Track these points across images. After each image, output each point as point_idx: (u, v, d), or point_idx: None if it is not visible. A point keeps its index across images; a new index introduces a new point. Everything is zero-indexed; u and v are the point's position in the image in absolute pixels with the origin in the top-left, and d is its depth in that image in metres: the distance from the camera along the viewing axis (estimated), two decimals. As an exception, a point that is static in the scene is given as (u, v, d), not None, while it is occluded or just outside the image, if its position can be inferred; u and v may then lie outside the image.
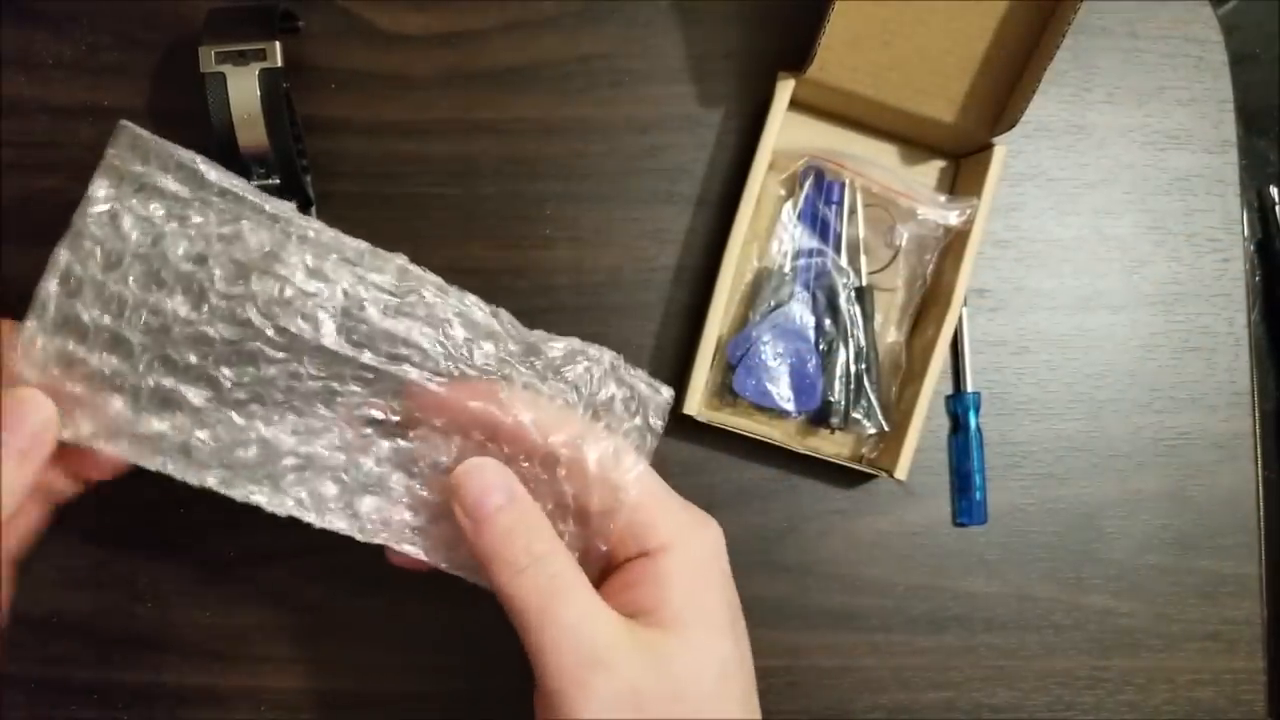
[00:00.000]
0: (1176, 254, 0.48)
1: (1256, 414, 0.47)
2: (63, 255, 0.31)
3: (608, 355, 0.34)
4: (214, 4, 0.41)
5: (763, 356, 0.43)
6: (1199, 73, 0.48)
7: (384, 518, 0.32)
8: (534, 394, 0.33)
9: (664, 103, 0.46)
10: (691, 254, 0.46)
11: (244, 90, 0.39)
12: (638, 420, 0.34)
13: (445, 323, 0.32)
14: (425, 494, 0.33)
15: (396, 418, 0.32)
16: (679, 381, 0.45)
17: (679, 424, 0.44)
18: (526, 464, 0.32)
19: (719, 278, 0.43)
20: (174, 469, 0.31)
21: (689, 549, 0.32)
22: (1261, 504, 0.47)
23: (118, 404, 0.31)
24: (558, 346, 0.33)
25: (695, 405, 0.42)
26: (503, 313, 0.33)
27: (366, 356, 0.31)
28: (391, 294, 0.32)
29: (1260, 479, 0.47)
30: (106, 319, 0.31)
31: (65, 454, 0.32)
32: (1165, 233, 0.48)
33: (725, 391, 0.44)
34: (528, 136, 0.45)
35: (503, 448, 0.32)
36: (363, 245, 0.32)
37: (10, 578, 0.35)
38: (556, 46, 0.46)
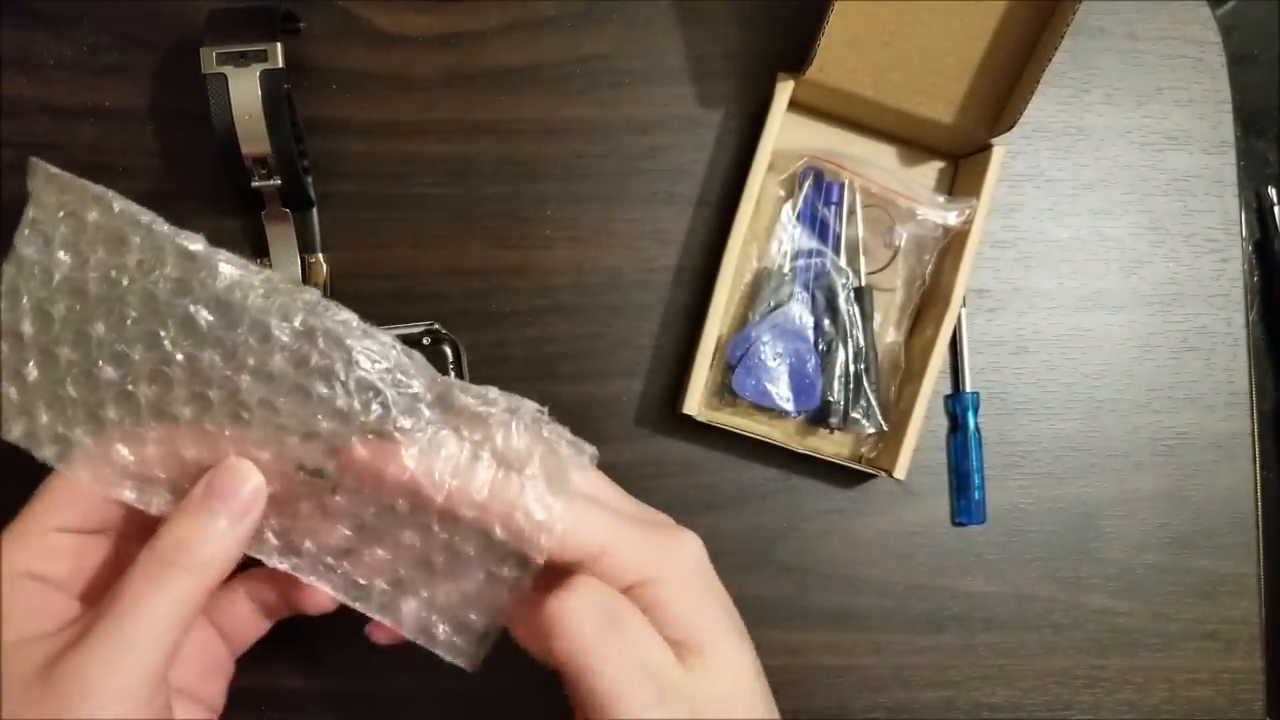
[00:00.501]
0: (1175, 254, 0.48)
1: (1254, 414, 0.47)
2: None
3: (529, 407, 0.31)
4: (215, 4, 0.41)
5: (762, 356, 0.43)
6: (1197, 73, 0.48)
7: (318, 562, 0.32)
8: (439, 452, 0.30)
9: (664, 103, 0.46)
10: (691, 254, 0.46)
11: (245, 91, 0.39)
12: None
13: (353, 365, 0.29)
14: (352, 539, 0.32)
15: (322, 467, 0.31)
16: (679, 381, 0.45)
17: (679, 424, 0.44)
18: (440, 525, 0.31)
19: (719, 278, 0.43)
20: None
21: (671, 572, 0.31)
22: (1260, 504, 0.47)
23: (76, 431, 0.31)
24: (471, 398, 0.30)
25: (695, 405, 0.43)
26: (416, 355, 0.31)
27: (279, 402, 0.30)
28: (297, 335, 0.30)
29: (1258, 479, 0.47)
30: (41, 335, 0.31)
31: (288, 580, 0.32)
32: (1164, 233, 0.48)
33: (725, 391, 0.44)
34: (528, 137, 0.45)
35: (423, 511, 0.31)
36: (274, 277, 0.30)
37: (228, 673, 0.35)
38: (557, 47, 0.46)
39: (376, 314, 0.44)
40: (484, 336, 0.45)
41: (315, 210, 0.45)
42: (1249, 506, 0.47)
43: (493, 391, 0.31)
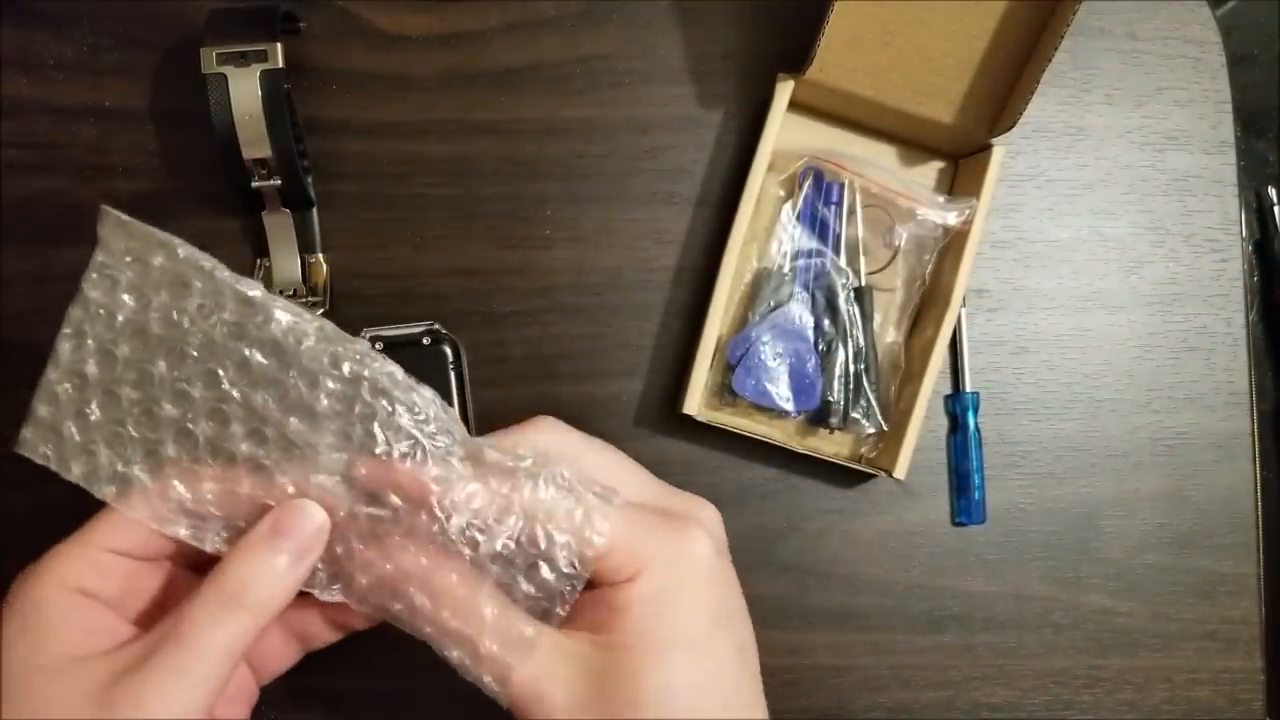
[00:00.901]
0: (1175, 254, 0.48)
1: (1254, 414, 0.47)
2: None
3: (558, 466, 0.32)
4: (215, 5, 0.41)
5: (762, 356, 0.43)
6: (1197, 74, 0.48)
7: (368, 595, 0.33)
8: (470, 504, 0.31)
9: (664, 103, 0.46)
10: (691, 254, 0.46)
11: (245, 91, 0.39)
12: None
13: (395, 415, 0.31)
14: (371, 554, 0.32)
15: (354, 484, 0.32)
16: (679, 381, 0.45)
17: (679, 424, 0.44)
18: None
19: (719, 278, 0.43)
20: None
21: (667, 568, 0.31)
22: (1259, 503, 0.47)
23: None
24: (501, 454, 0.32)
25: (695, 405, 0.43)
26: (453, 412, 0.32)
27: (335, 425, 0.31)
28: (345, 382, 0.31)
29: (1258, 479, 0.47)
30: (105, 374, 0.32)
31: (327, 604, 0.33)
32: (1163, 233, 0.48)
33: (725, 391, 0.44)
34: (528, 137, 0.46)
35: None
36: (327, 326, 0.31)
37: (252, 701, 0.36)
38: (557, 47, 0.46)
39: (377, 314, 0.44)
40: (484, 336, 0.45)
41: (315, 210, 0.45)
42: (1249, 506, 0.47)
43: (523, 449, 0.32)
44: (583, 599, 0.31)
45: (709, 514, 0.34)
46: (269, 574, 0.30)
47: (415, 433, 0.31)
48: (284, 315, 0.31)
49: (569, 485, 0.31)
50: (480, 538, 0.31)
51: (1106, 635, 0.46)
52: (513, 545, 0.31)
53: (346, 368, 0.31)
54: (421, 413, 0.31)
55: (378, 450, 0.30)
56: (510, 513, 0.31)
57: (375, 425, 0.30)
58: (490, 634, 0.30)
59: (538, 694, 0.30)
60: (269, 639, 0.35)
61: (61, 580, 0.30)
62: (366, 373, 0.31)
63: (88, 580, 0.31)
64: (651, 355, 0.46)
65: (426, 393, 0.31)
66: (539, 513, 0.31)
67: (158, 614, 0.32)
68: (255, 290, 0.31)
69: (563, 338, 0.45)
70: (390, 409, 0.30)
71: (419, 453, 0.31)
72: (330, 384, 0.31)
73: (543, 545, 0.31)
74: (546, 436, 0.34)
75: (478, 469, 0.31)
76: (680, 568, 0.31)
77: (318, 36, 0.45)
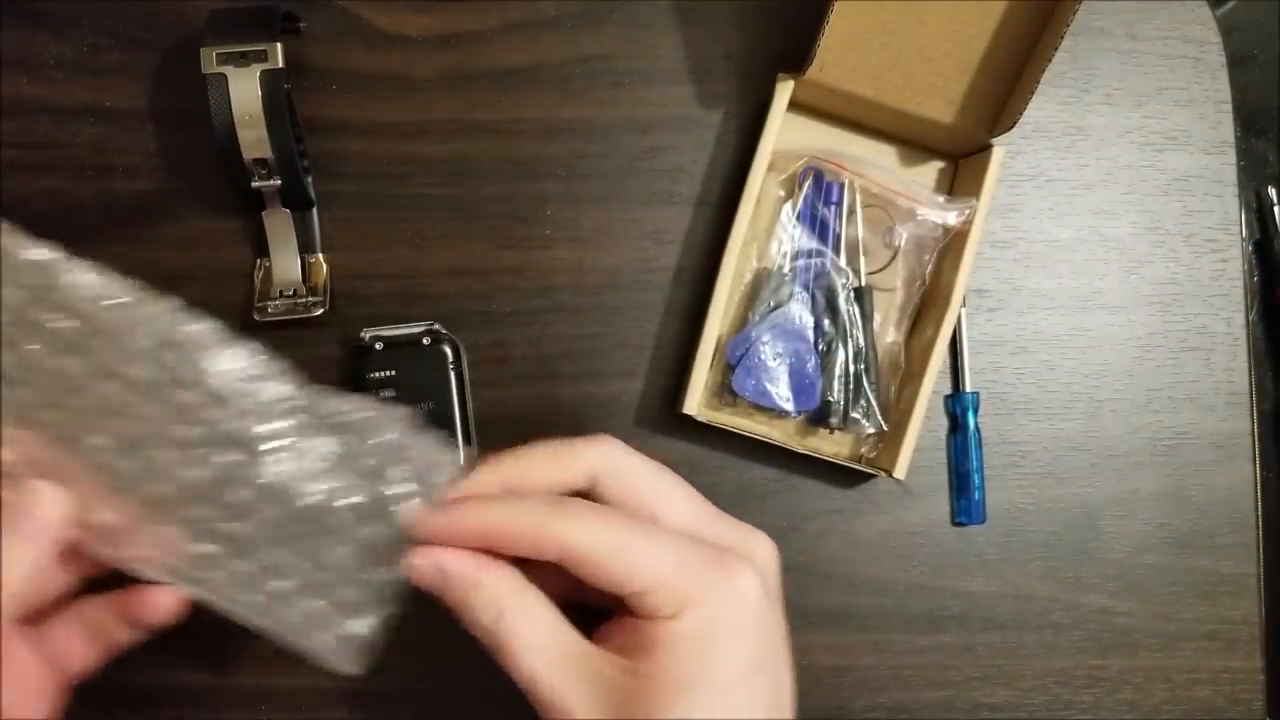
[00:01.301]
0: (1175, 254, 0.48)
1: (1254, 414, 0.47)
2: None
3: (400, 411, 0.31)
4: (215, 4, 0.41)
5: (762, 356, 0.43)
6: (1197, 74, 0.48)
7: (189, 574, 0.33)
8: (305, 456, 0.31)
9: (664, 103, 0.46)
10: (691, 254, 0.46)
11: (245, 91, 0.39)
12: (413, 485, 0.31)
13: (206, 373, 0.30)
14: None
15: None
16: (679, 381, 0.45)
17: (679, 424, 0.44)
18: None
19: (719, 278, 0.43)
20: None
21: (706, 613, 0.30)
22: (1260, 503, 0.47)
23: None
24: (341, 403, 0.31)
25: (695, 405, 0.43)
26: (279, 366, 0.31)
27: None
28: (155, 344, 0.31)
29: (1258, 479, 0.47)
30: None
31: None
32: (1163, 233, 0.48)
33: (725, 391, 0.44)
34: (528, 137, 0.46)
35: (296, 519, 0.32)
36: (132, 286, 0.31)
37: (57, 700, 0.35)
38: (557, 47, 0.46)
39: (377, 314, 0.44)
40: (484, 336, 0.45)
41: (315, 210, 0.45)
42: (1249, 506, 0.47)
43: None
44: (622, 624, 0.31)
45: (763, 549, 0.33)
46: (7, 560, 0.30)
47: (230, 390, 0.30)
48: (87, 278, 0.30)
49: (410, 435, 0.31)
50: (320, 486, 0.30)
51: (1106, 635, 0.46)
52: (357, 492, 0.30)
53: (154, 328, 0.30)
54: (237, 369, 0.30)
55: (199, 414, 0.30)
56: (351, 459, 0.30)
57: (190, 387, 0.30)
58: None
59: (559, 701, 0.29)
60: (60, 638, 0.35)
61: None
62: (175, 334, 0.30)
63: None
64: (651, 355, 0.46)
65: (244, 348, 0.30)
66: (384, 459, 0.31)
67: None
68: (44, 254, 0.30)
69: (563, 338, 0.45)
70: (201, 368, 0.30)
71: (239, 411, 0.30)
72: (141, 344, 0.30)
73: (388, 490, 0.30)
74: (604, 451, 0.32)
75: (314, 420, 0.31)
76: (724, 611, 0.30)
77: (318, 36, 0.45)
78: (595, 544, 0.29)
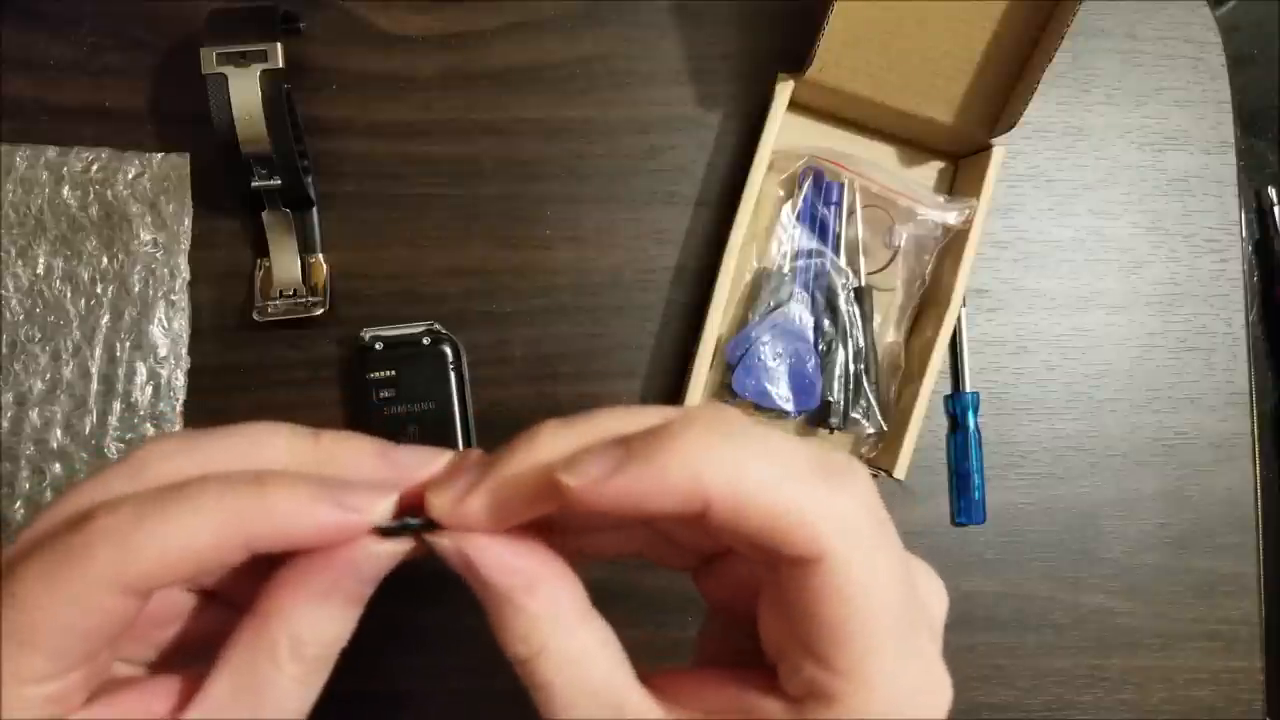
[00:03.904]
0: (1175, 254, 0.48)
1: (1254, 414, 0.47)
2: None
3: None
4: (215, 4, 0.41)
5: (762, 357, 0.43)
6: (1197, 74, 0.48)
7: None
8: None
9: (664, 103, 0.46)
10: (691, 254, 0.46)
11: (245, 91, 0.39)
12: None
13: None
14: None
15: None
16: (679, 381, 0.45)
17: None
18: None
19: (719, 278, 0.43)
20: None
21: (836, 544, 0.19)
22: (1259, 503, 0.47)
23: None
24: None
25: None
26: None
27: None
28: None
29: (1258, 479, 0.47)
30: None
31: None
32: (1163, 233, 0.48)
33: (725, 391, 0.44)
34: (528, 137, 0.46)
35: None
36: None
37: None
38: (557, 47, 0.46)
39: (377, 314, 0.44)
40: (484, 336, 0.45)
41: (315, 210, 0.45)
42: (1249, 506, 0.47)
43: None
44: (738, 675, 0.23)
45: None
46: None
47: None
48: None
49: None
50: None
51: (1107, 635, 0.46)
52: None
53: None
54: None
55: None
56: None
57: None
58: None
59: None
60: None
61: None
62: None
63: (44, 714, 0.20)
64: (651, 355, 0.46)
65: None
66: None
67: None
68: None
69: (563, 338, 0.45)
70: None
71: None
72: None
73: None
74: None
75: None
76: (852, 531, 0.20)
77: (318, 37, 0.45)
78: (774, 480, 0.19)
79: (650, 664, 0.22)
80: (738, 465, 0.19)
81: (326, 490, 0.21)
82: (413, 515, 0.21)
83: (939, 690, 0.23)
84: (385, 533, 0.21)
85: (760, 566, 0.22)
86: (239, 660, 0.21)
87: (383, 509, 0.21)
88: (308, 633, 0.22)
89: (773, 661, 0.22)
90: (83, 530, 0.19)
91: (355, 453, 0.22)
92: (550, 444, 0.21)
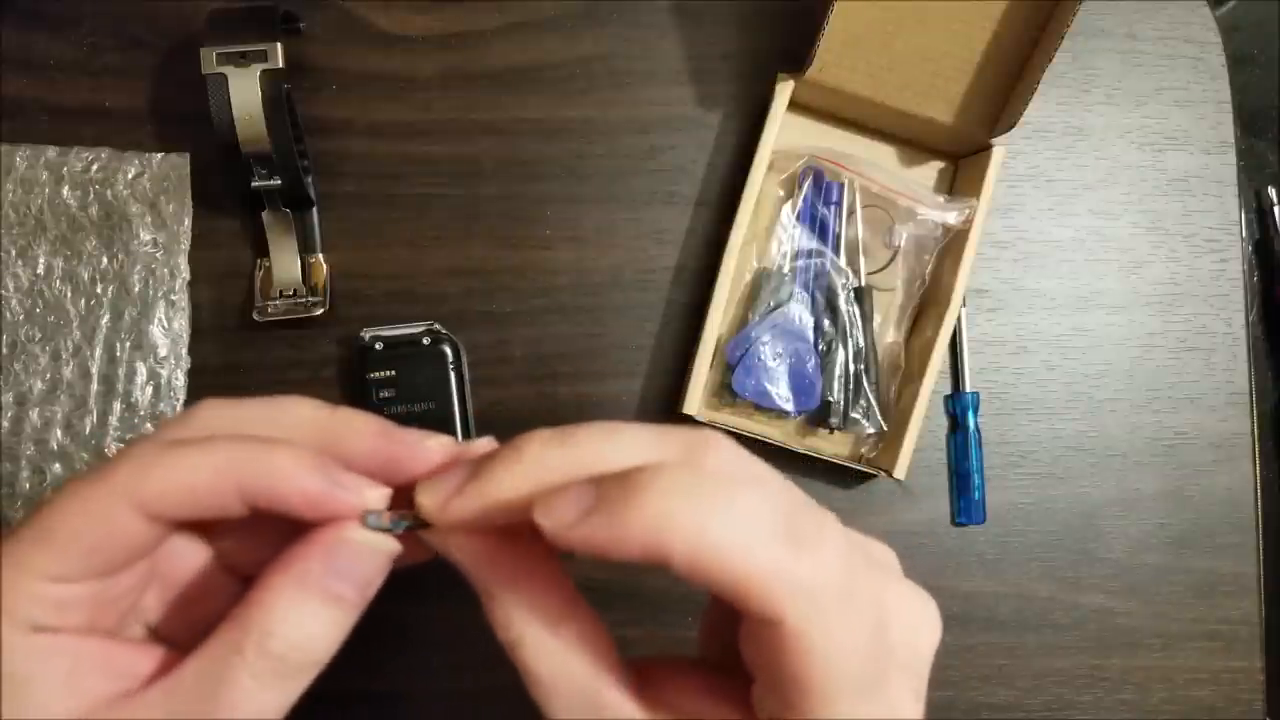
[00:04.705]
0: (1175, 254, 0.48)
1: (1254, 414, 0.47)
2: None
3: None
4: (215, 4, 0.41)
5: (762, 357, 0.43)
6: (1197, 74, 0.48)
7: None
8: None
9: (664, 103, 0.46)
10: (691, 254, 0.46)
11: (245, 91, 0.39)
12: None
13: None
14: None
15: None
16: (679, 381, 0.45)
17: (679, 424, 0.44)
18: None
19: (718, 278, 0.43)
20: None
21: (806, 604, 0.20)
22: (1260, 503, 0.47)
23: None
24: None
25: (695, 405, 0.43)
26: None
27: None
28: None
29: (1258, 479, 0.47)
30: None
31: None
32: (1163, 233, 0.48)
33: (725, 391, 0.44)
34: (528, 137, 0.46)
35: None
36: None
37: None
38: (557, 47, 0.46)
39: (377, 314, 0.44)
40: (484, 336, 0.45)
41: (315, 210, 0.45)
42: (1249, 506, 0.47)
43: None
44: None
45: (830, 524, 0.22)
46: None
47: None
48: None
49: None
50: None
51: (1107, 635, 0.46)
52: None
53: None
54: None
55: None
56: None
57: None
58: None
59: None
60: None
61: (14, 620, 0.21)
62: None
63: (42, 616, 0.22)
64: (651, 355, 0.46)
65: None
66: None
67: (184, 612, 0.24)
68: None
69: (563, 338, 0.45)
70: None
71: None
72: None
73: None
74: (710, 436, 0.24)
75: None
76: (826, 592, 0.20)
77: (318, 37, 0.45)
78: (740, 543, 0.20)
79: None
80: (699, 528, 0.19)
81: (323, 463, 0.23)
82: (405, 512, 0.23)
83: None
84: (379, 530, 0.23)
85: None
86: (212, 647, 0.22)
87: (373, 496, 0.23)
88: (278, 627, 0.22)
89: (752, 674, 0.23)
90: (116, 456, 0.22)
91: (362, 425, 0.24)
92: (536, 458, 0.22)
